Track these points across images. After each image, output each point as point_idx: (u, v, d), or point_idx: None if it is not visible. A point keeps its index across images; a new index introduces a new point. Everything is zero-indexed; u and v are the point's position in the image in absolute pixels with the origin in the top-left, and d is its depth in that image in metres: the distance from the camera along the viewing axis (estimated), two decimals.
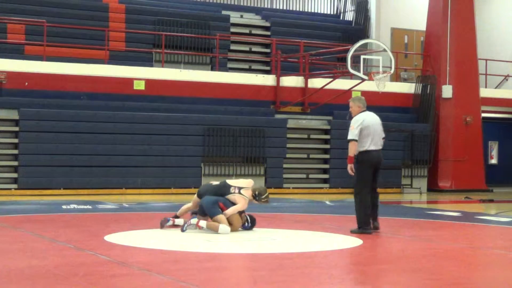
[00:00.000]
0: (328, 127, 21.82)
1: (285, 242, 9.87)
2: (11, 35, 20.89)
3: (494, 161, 27.77)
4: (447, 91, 23.42)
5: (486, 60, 25.47)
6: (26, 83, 19.16)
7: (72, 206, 14.66)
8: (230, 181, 10.80)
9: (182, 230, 10.24)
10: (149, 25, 22.70)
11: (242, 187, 10.59)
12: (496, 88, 26.29)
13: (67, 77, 19.57)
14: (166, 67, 21.33)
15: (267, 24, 25.35)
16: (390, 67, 19.73)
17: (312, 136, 21.79)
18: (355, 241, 9.81)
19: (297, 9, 29.03)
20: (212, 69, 22.46)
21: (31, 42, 20.66)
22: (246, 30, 24.76)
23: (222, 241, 9.65)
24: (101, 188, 18.92)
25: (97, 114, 19.11)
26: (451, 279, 7.37)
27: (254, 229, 10.67)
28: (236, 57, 23.62)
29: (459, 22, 23.56)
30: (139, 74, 20.37)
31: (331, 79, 21.47)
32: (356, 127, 10.57)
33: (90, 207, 14.57)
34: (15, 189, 18.35)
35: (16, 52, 20.46)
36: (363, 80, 19.78)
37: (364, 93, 21.57)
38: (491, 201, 19.51)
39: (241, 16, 25.54)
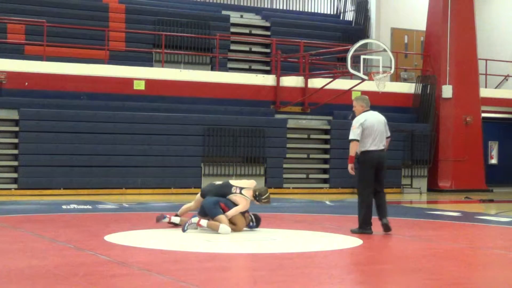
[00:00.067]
0: (328, 127, 21.82)
1: (285, 242, 9.87)
2: (11, 35, 20.89)
3: (494, 161, 27.77)
4: (447, 91, 23.42)
5: (486, 60, 25.47)
6: (26, 83, 19.16)
7: (72, 206, 14.66)
8: (233, 181, 10.82)
9: (183, 230, 10.24)
10: (149, 25, 22.71)
11: (244, 187, 10.60)
12: (496, 88, 26.29)
13: (67, 77, 19.57)
14: (166, 67, 21.33)
15: (267, 24, 25.35)
16: (390, 67, 19.73)
17: (312, 136, 21.79)
18: (355, 241, 9.81)
19: (297, 9, 29.03)
20: (212, 69, 22.46)
21: (31, 42, 20.66)
22: (246, 30, 24.77)
23: (222, 241, 9.65)
24: (101, 188, 18.92)
25: (97, 114, 19.11)
26: (451, 279, 7.37)
27: (255, 229, 10.68)
28: (236, 57, 23.62)
29: (459, 22, 23.56)
30: (139, 74, 20.37)
31: (331, 79, 21.47)
32: (357, 127, 10.54)
33: (90, 207, 14.57)
34: (15, 189, 18.35)
35: (16, 52, 20.47)
36: (363, 80, 19.78)
37: (364, 93, 21.56)
38: (491, 201, 19.51)
39: (241, 16, 25.54)
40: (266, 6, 28.59)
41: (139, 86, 20.27)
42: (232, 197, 10.49)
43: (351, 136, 10.58)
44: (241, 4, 28.21)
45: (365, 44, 20.26)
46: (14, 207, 14.64)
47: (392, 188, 21.67)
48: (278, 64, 21.87)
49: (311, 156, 21.71)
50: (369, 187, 10.57)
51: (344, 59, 20.00)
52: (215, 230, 10.14)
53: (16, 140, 18.55)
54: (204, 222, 10.27)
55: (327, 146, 21.77)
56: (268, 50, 24.17)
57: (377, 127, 10.62)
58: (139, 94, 20.23)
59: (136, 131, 19.40)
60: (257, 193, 10.55)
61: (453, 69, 23.50)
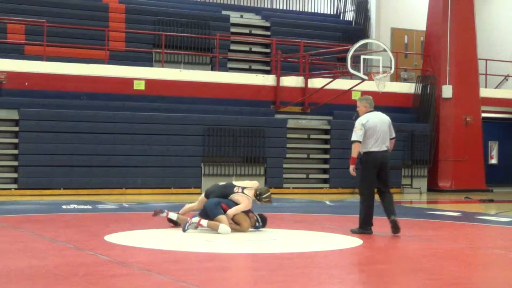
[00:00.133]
0: (328, 127, 21.82)
1: (285, 242, 9.87)
2: (11, 35, 20.89)
3: (494, 161, 27.77)
4: (447, 91, 23.42)
5: (486, 60, 25.47)
6: (26, 83, 19.16)
7: (72, 206, 14.66)
8: (236, 182, 10.84)
9: (184, 230, 10.25)
10: (149, 25, 22.71)
11: (246, 187, 10.62)
12: (496, 88, 26.29)
13: (67, 77, 19.57)
14: (166, 67, 21.33)
15: (267, 24, 25.35)
16: (390, 67, 19.73)
17: (312, 136, 21.79)
18: (355, 241, 9.81)
19: (297, 9, 29.03)
20: (212, 69, 22.46)
21: (31, 42, 20.66)
22: (246, 30, 24.77)
23: (222, 241, 9.65)
24: (101, 188, 18.92)
25: (97, 114, 19.11)
26: (451, 279, 7.37)
27: (261, 229, 10.63)
28: (236, 57, 23.62)
29: (459, 22, 23.56)
30: (139, 74, 20.37)
31: (331, 79, 21.47)
32: (359, 128, 10.50)
33: (90, 207, 14.57)
34: (15, 189, 18.35)
35: (16, 52, 20.46)
36: (363, 80, 19.78)
37: (364, 93, 21.58)
38: (491, 201, 19.51)
39: (241, 16, 25.54)
40: (266, 6, 28.59)
41: (139, 86, 20.27)
42: (234, 196, 10.50)
43: (353, 137, 10.54)
44: (241, 4, 28.21)
45: (365, 44, 20.25)
46: (14, 207, 14.64)
47: (392, 188, 21.56)
48: (278, 64, 21.86)
49: (311, 156, 21.71)
50: (370, 188, 10.56)
51: (344, 59, 20.00)
52: (215, 230, 10.15)
53: (16, 140, 18.55)
54: (204, 222, 10.28)
55: (327, 146, 21.77)
56: (268, 50, 24.18)
57: (380, 128, 10.56)
58: (139, 94, 20.23)
59: (136, 131, 19.40)
60: (258, 192, 10.56)
61: (453, 69, 23.50)
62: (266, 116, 21.19)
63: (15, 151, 18.52)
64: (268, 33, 25.00)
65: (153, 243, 9.49)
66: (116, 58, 21.33)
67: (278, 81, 21.71)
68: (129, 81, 20.20)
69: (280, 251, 9.10)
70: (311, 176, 21.70)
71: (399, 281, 7.39)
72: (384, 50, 19.89)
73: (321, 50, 23.00)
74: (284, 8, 28.81)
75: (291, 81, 22.00)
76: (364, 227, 10.54)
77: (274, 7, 28.73)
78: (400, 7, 27.14)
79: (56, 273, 7.17)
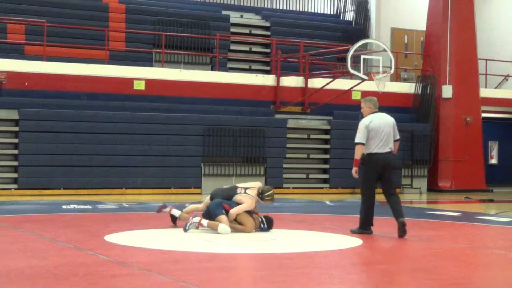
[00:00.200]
0: (328, 127, 21.82)
1: (285, 242, 9.87)
2: (11, 35, 20.89)
3: (494, 161, 27.77)
4: (447, 91, 23.42)
5: (486, 60, 25.47)
6: (26, 83, 19.16)
7: (72, 206, 14.66)
8: (238, 184, 10.85)
9: (185, 230, 10.25)
10: (149, 25, 22.70)
11: (248, 187, 10.62)
12: (496, 88, 26.30)
13: (67, 77, 19.57)
14: (166, 67, 21.33)
15: (267, 24, 25.35)
16: (390, 67, 19.73)
17: (312, 136, 21.79)
18: (355, 241, 9.82)
19: (297, 9, 29.03)
20: (212, 69, 22.45)
21: (31, 42, 20.66)
22: (246, 30, 24.77)
23: (222, 241, 9.65)
24: (101, 188, 18.92)
25: (97, 114, 19.11)
26: (451, 279, 7.37)
27: (267, 231, 10.59)
28: (236, 57, 23.62)
29: (459, 22, 23.56)
30: (139, 74, 20.37)
31: (331, 79, 21.47)
32: (363, 130, 10.45)
33: (90, 207, 14.57)
34: (15, 189, 18.35)
35: (16, 52, 20.46)
36: (363, 80, 19.78)
37: (364, 93, 21.60)
38: (491, 201, 19.52)
39: (241, 16, 25.54)
40: (266, 6, 28.59)
41: (139, 86, 20.27)
42: (237, 197, 10.50)
43: (356, 139, 10.49)
44: (241, 4, 28.21)
45: (365, 44, 20.25)
46: (14, 207, 14.64)
47: None
48: (278, 64, 21.86)
49: (311, 156, 21.71)
50: (372, 188, 10.53)
51: (344, 59, 20.00)
52: (215, 230, 10.15)
53: (16, 140, 18.55)
54: (205, 221, 10.29)
55: (327, 146, 21.77)
56: (268, 50, 24.17)
57: (384, 129, 10.49)
58: (139, 94, 20.23)
59: (136, 131, 19.40)
60: (260, 190, 10.55)
61: (453, 69, 23.50)
62: (266, 116, 21.19)
63: (15, 151, 18.52)
64: (268, 33, 25.00)
65: (153, 243, 9.49)
66: (116, 58, 21.33)
67: (278, 81, 21.71)
68: (129, 81, 20.20)
69: (280, 251, 9.10)
70: (311, 176, 21.70)
71: (399, 281, 7.39)
72: (384, 50, 19.89)
73: (321, 50, 23.00)
74: (284, 8, 28.82)
75: (291, 81, 22.00)
76: (364, 227, 10.54)
77: (274, 7, 28.73)
78: (400, 7, 27.15)
79: (56, 273, 7.17)
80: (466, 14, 23.72)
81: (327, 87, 21.33)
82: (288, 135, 21.20)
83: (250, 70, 23.41)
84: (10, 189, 18.34)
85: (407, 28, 27.04)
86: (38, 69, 19.34)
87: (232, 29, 24.30)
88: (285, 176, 21.09)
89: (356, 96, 22.16)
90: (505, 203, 18.92)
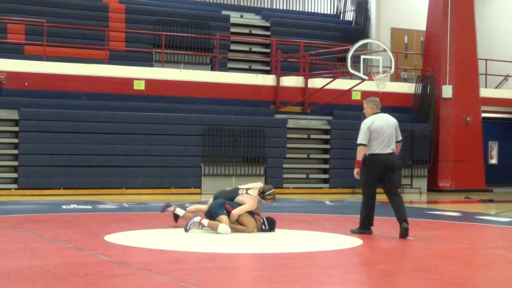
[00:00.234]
0: (328, 127, 21.82)
1: (285, 242, 9.87)
2: (11, 35, 20.89)
3: (494, 161, 27.77)
4: (447, 91, 23.42)
5: (486, 60, 25.47)
6: (26, 83, 19.16)
7: (72, 206, 14.65)
8: (241, 185, 10.86)
9: (186, 230, 10.26)
10: (149, 25, 22.70)
11: (250, 187, 10.62)
12: (496, 88, 26.30)
13: (67, 77, 19.57)
14: (166, 67, 21.33)
15: (267, 24, 25.35)
16: (390, 67, 19.73)
17: (312, 136, 21.79)
18: (355, 241, 9.82)
19: (297, 9, 29.03)
20: (212, 69, 22.45)
21: (31, 42, 20.66)
22: (246, 30, 24.77)
23: (222, 241, 9.65)
24: (101, 188, 18.92)
25: (97, 114, 19.11)
26: (451, 279, 7.37)
27: (269, 232, 10.57)
28: (236, 57, 23.62)
29: (459, 22, 23.56)
30: (139, 74, 20.37)
31: (331, 79, 21.46)
32: (365, 131, 10.43)
33: (90, 207, 14.57)
34: (15, 189, 18.35)
35: (16, 52, 20.46)
36: (363, 80, 19.78)
37: (364, 93, 21.63)
38: (491, 201, 19.52)
39: (241, 16, 25.54)
40: (266, 6, 28.59)
41: (139, 86, 20.27)
42: (239, 197, 10.51)
43: (358, 140, 10.49)
44: (241, 4, 28.21)
45: (365, 44, 20.25)
46: (14, 207, 14.64)
47: None
48: (278, 64, 21.86)
49: (311, 156, 21.71)
50: (372, 189, 10.51)
51: (344, 59, 20.00)
52: (215, 230, 10.15)
53: (16, 140, 18.55)
54: (205, 221, 10.29)
55: (327, 146, 21.77)
56: (268, 50, 24.18)
57: (386, 130, 10.45)
58: (139, 94, 20.23)
59: (136, 131, 19.40)
60: (261, 190, 10.55)
61: (453, 69, 23.50)
62: (266, 116, 21.19)
63: (15, 151, 18.52)
64: (268, 33, 25.00)
65: (153, 243, 9.49)
66: (116, 58, 21.33)
67: (278, 81, 21.71)
68: (129, 81, 20.20)
69: (280, 251, 9.10)
70: (311, 176, 21.70)
71: (399, 281, 7.39)
72: (384, 50, 19.89)
73: (321, 50, 23.00)
74: (284, 8, 28.81)
75: (291, 81, 22.00)
76: (364, 227, 10.54)
77: (274, 7, 28.73)
78: (400, 7, 27.15)
79: (56, 273, 7.17)
80: (466, 14, 23.72)
81: (327, 87, 21.33)
82: (288, 135, 21.20)
83: (250, 70, 23.41)
84: (10, 189, 18.34)
85: (407, 28, 27.04)
86: (38, 69, 19.34)
87: (232, 29, 24.30)
88: (285, 176, 21.09)
89: (356, 96, 22.16)
90: (505, 203, 18.92)
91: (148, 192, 19.24)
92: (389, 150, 10.47)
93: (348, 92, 21.55)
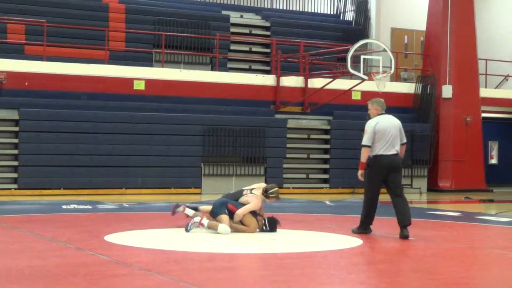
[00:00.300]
0: (328, 127, 21.82)
1: (285, 242, 9.87)
2: (11, 35, 20.89)
3: (494, 161, 27.77)
4: (447, 91, 23.42)
5: (486, 60, 25.47)
6: (26, 83, 19.16)
7: (72, 206, 14.66)
8: (245, 187, 10.86)
9: (187, 230, 10.26)
10: (149, 25, 22.70)
11: (254, 188, 10.63)
12: (496, 88, 26.30)
13: (67, 77, 19.57)
14: (166, 67, 21.32)
15: (267, 24, 25.36)
16: (390, 67, 19.72)
17: (312, 136, 21.79)
18: (355, 241, 9.82)
19: (297, 9, 29.02)
20: (212, 69, 22.45)
21: (31, 42, 20.66)
22: (246, 30, 24.77)
23: (222, 241, 9.66)
24: (101, 188, 18.92)
25: (97, 114, 19.11)
26: (451, 279, 7.38)
27: (270, 233, 10.55)
28: (236, 57, 23.62)
29: (459, 22, 23.55)
30: (139, 74, 20.36)
31: (331, 79, 21.46)
32: (370, 132, 10.39)
33: (90, 207, 14.57)
34: (15, 189, 18.35)
35: (16, 52, 20.46)
36: (363, 80, 19.77)
37: (364, 93, 21.64)
38: (491, 201, 19.52)
39: (241, 16, 25.54)
40: (266, 6, 28.59)
41: (139, 86, 20.27)
42: (243, 198, 10.51)
43: (362, 142, 10.46)
44: (241, 4, 28.20)
45: (365, 44, 20.25)
46: (14, 207, 14.64)
47: None
48: (278, 64, 21.86)
49: (311, 156, 21.71)
50: (374, 190, 10.48)
51: (344, 59, 19.99)
52: (215, 229, 10.15)
53: (16, 140, 18.55)
54: (205, 221, 10.29)
55: (327, 146, 21.77)
56: (268, 50, 24.18)
57: (390, 131, 10.40)
58: (139, 94, 20.22)
59: (136, 131, 19.40)
60: (264, 189, 10.55)
61: (453, 69, 23.50)
62: (266, 116, 21.19)
63: (15, 151, 18.51)
64: (268, 33, 25.00)
65: (153, 243, 9.49)
66: (116, 58, 21.33)
67: (278, 81, 21.71)
68: (129, 81, 20.20)
69: (280, 251, 9.10)
70: (311, 176, 21.69)
71: (399, 281, 7.39)
72: (384, 50, 19.90)
73: (321, 50, 23.00)
74: (284, 8, 28.81)
75: (291, 81, 22.00)
76: (364, 227, 10.54)
77: (274, 7, 28.73)
78: (400, 7, 27.14)
79: (56, 273, 7.17)
80: (466, 14, 23.72)
81: (327, 87, 21.33)
82: (288, 135, 21.20)
83: (250, 70, 23.41)
84: (10, 189, 18.34)
85: (407, 28, 27.04)
86: (38, 69, 19.34)
87: (232, 29, 24.30)
88: (285, 176, 21.09)
89: (356, 96, 22.17)
90: (505, 203, 18.92)
91: (148, 192, 19.23)
92: (393, 151, 10.42)
93: (348, 92, 21.55)
